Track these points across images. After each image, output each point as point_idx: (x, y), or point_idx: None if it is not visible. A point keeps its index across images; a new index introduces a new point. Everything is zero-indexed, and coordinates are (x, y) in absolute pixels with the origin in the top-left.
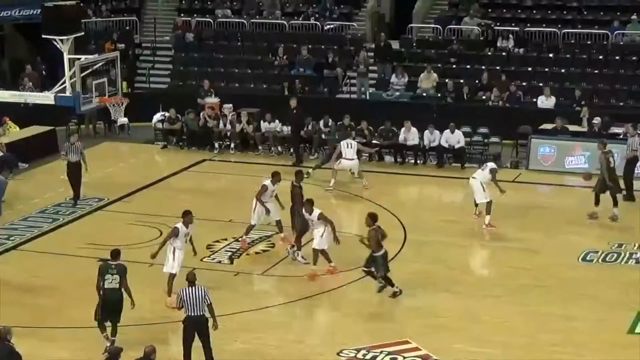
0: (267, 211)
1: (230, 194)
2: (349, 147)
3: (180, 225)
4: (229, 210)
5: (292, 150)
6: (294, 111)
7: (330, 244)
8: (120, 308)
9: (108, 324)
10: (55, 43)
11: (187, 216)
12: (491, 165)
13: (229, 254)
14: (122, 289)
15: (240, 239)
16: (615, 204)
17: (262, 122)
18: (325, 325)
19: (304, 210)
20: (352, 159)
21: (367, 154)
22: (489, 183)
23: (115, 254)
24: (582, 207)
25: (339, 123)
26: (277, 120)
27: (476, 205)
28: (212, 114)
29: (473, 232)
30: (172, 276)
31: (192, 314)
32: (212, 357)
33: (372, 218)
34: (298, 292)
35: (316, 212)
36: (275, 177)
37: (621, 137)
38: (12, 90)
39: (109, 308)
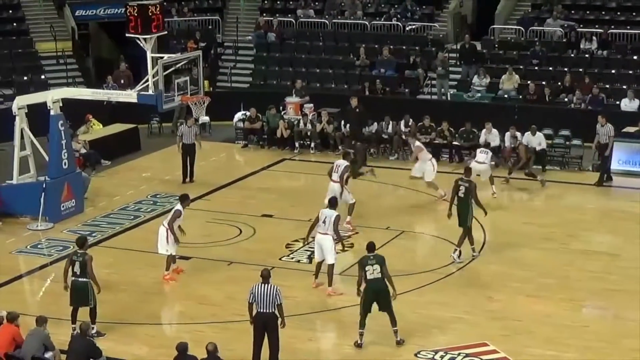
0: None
1: (310, 193)
2: (482, 152)
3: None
4: (307, 210)
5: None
6: (356, 110)
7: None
8: (386, 296)
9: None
10: (139, 42)
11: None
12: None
13: (308, 253)
14: (385, 278)
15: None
16: None
17: (342, 121)
18: (402, 326)
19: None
20: (483, 163)
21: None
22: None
23: (371, 247)
24: None
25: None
26: None
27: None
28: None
29: (554, 235)
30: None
31: (262, 311)
32: (277, 356)
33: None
34: None
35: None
36: (348, 156)
37: None
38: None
39: (374, 299)
